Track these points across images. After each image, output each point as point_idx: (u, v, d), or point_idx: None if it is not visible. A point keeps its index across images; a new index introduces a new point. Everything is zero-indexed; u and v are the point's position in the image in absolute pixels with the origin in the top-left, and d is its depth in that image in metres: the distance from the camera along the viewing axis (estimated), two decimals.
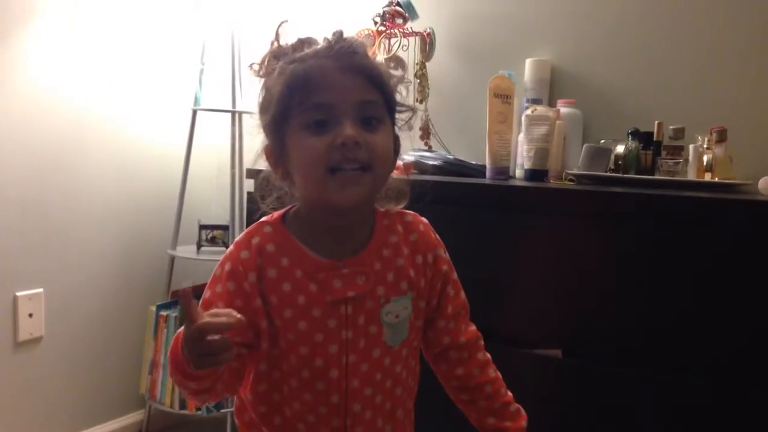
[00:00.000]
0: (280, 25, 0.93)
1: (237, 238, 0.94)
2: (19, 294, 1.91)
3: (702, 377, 1.30)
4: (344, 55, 0.86)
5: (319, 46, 0.88)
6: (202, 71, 2.15)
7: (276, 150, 0.91)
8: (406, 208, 1.00)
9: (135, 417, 2.25)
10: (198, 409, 2.09)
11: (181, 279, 2.23)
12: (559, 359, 1.41)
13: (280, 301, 0.89)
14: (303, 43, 0.90)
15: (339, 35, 0.89)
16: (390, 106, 0.91)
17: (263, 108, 0.91)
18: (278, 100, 0.87)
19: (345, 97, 0.85)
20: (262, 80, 0.93)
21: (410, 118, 0.96)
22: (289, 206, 0.96)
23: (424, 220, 1.01)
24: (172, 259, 2.20)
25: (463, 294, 1.04)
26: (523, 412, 1.03)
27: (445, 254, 1.01)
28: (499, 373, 1.05)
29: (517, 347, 1.44)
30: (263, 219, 0.94)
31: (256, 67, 0.94)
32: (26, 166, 1.90)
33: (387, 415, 0.95)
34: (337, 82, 0.85)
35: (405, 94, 0.94)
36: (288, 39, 0.93)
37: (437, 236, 1.02)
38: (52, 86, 1.94)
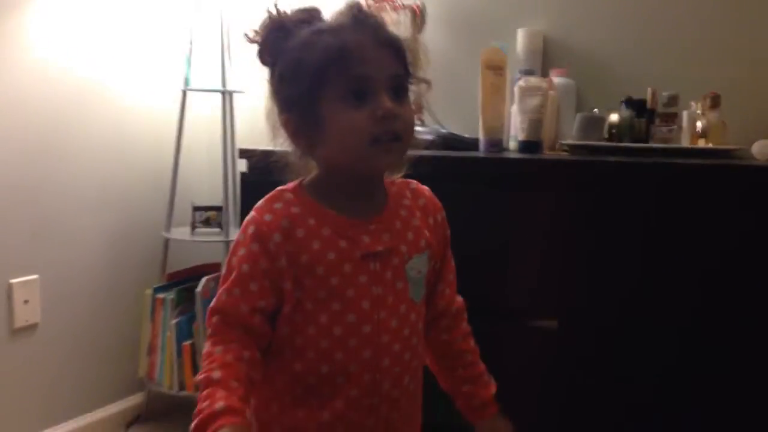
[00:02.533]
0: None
1: (257, 205, 0.93)
2: (13, 281, 1.90)
3: (706, 344, 1.31)
4: (374, 29, 0.88)
5: (344, 19, 0.89)
6: (190, 51, 2.13)
7: (301, 121, 0.90)
8: None
9: (134, 400, 2.25)
10: (197, 389, 2.09)
11: (176, 260, 2.22)
12: (555, 330, 1.41)
13: (311, 258, 0.89)
14: (309, 13, 0.91)
15: (358, 7, 0.90)
16: (410, 76, 0.93)
17: (287, 78, 0.90)
18: (314, 72, 0.87)
19: (381, 70, 0.87)
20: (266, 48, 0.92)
21: (426, 91, 1.00)
22: (300, 178, 0.96)
23: (426, 187, 1.04)
24: (167, 241, 2.19)
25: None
26: (493, 382, 1.07)
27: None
28: (476, 346, 1.08)
29: (514, 319, 1.45)
30: (281, 187, 0.95)
31: (251, 34, 0.93)
32: (17, 151, 1.88)
33: (412, 371, 0.98)
34: (373, 55, 0.87)
35: (426, 65, 0.98)
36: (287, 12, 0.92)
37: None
38: (41, 72, 1.92)
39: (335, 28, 0.88)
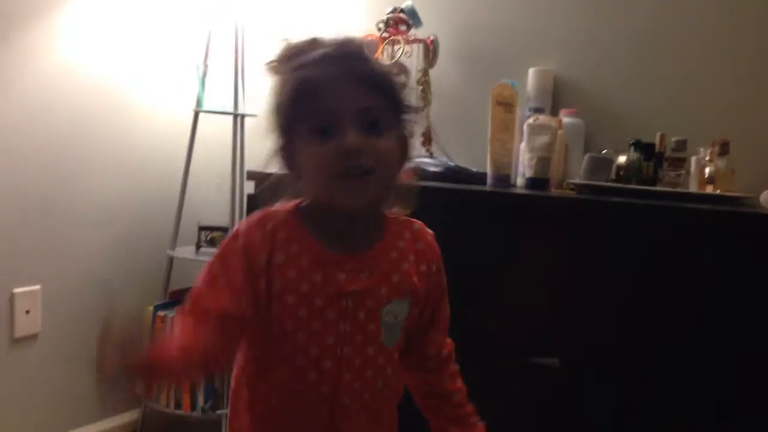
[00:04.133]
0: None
1: (250, 218, 0.94)
2: (16, 291, 1.90)
3: (704, 390, 1.30)
4: (346, 62, 0.88)
5: (322, 51, 0.89)
6: (205, 73, 2.15)
7: (287, 153, 0.93)
8: (413, 214, 1.01)
9: (131, 416, 2.24)
10: (193, 408, 2.08)
11: (180, 279, 2.23)
12: (556, 368, 1.41)
13: (283, 286, 0.90)
14: (312, 44, 0.91)
15: (343, 40, 0.90)
16: (396, 108, 0.92)
17: (274, 110, 0.93)
18: (286, 106, 0.89)
19: (346, 104, 0.86)
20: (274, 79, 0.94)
21: (415, 119, 0.98)
22: (300, 199, 0.96)
23: (430, 231, 1.03)
24: (171, 259, 2.20)
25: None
26: (481, 423, 1.06)
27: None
28: (464, 385, 1.07)
29: (515, 356, 1.44)
30: (277, 207, 0.95)
31: (273, 65, 0.95)
32: (27, 163, 1.90)
33: (373, 413, 0.97)
34: (338, 90, 0.87)
35: (410, 95, 0.95)
36: (299, 37, 0.93)
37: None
38: (55, 85, 1.94)
39: (310, 62, 0.88)
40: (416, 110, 0.99)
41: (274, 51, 0.94)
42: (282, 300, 0.90)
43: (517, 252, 1.47)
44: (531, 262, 1.45)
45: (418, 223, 1.02)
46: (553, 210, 1.47)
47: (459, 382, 1.07)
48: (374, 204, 0.94)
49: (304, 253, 0.91)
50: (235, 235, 0.92)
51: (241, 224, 0.94)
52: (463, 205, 1.53)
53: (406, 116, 0.95)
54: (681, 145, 1.63)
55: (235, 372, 0.99)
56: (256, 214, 0.94)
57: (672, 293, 1.33)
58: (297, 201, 0.96)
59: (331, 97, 0.86)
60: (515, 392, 1.43)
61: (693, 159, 1.61)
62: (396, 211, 1.00)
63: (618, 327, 1.37)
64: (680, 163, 1.60)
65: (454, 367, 1.07)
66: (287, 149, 0.92)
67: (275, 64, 0.93)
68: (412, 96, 0.97)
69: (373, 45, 0.96)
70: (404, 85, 0.95)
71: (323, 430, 0.94)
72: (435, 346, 1.04)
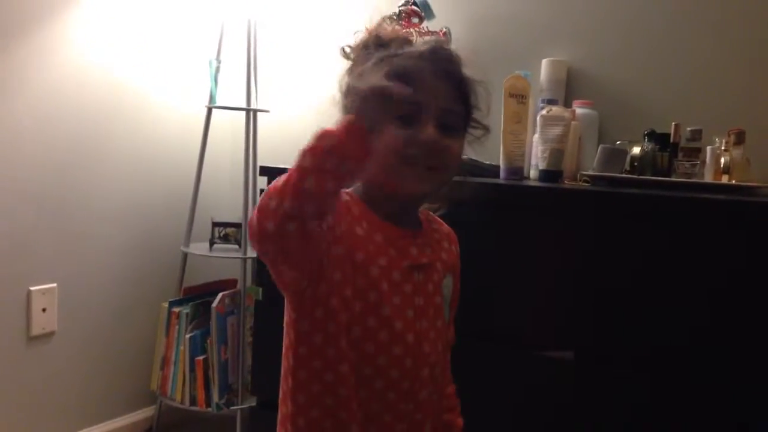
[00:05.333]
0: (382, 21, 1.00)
1: None
2: (32, 288, 1.92)
3: (721, 382, 1.28)
4: (442, 62, 0.92)
5: (421, 48, 0.93)
6: (218, 69, 2.15)
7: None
8: None
9: (146, 413, 2.26)
10: (208, 405, 2.09)
11: (193, 275, 2.24)
12: (571, 362, 1.40)
13: (366, 258, 0.90)
14: (402, 40, 0.95)
15: (441, 42, 0.96)
16: (468, 120, 0.97)
17: (351, 90, 0.94)
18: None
19: (434, 100, 0.90)
20: (349, 64, 0.97)
21: (482, 136, 1.02)
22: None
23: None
24: (185, 256, 2.21)
25: None
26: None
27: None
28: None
29: (530, 349, 1.43)
30: None
31: (348, 50, 0.98)
32: (42, 162, 1.91)
33: (439, 387, 1.01)
34: (430, 84, 0.90)
35: (486, 113, 1.00)
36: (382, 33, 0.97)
37: None
38: (69, 84, 1.95)
39: (406, 54, 0.92)
40: (486, 128, 1.02)
41: (353, 39, 0.97)
42: (366, 272, 0.90)
43: (531, 245, 1.46)
44: (545, 255, 1.44)
45: (431, 214, 1.06)
46: (566, 202, 1.46)
47: (454, 388, 1.11)
48: (422, 199, 0.99)
49: (376, 229, 0.93)
50: None
51: None
52: (476, 198, 1.52)
53: (472, 130, 1.00)
54: (696, 135, 1.61)
55: (291, 364, 0.93)
56: None
57: (688, 285, 1.31)
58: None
59: (422, 89, 0.89)
60: (529, 385, 1.42)
61: (708, 149, 1.59)
62: (429, 207, 1.04)
63: (632, 320, 1.35)
64: (695, 153, 1.58)
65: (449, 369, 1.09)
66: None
67: (357, 49, 0.96)
68: (484, 114, 1.00)
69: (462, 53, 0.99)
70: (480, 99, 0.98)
71: (404, 402, 0.94)
72: (452, 333, 1.06)
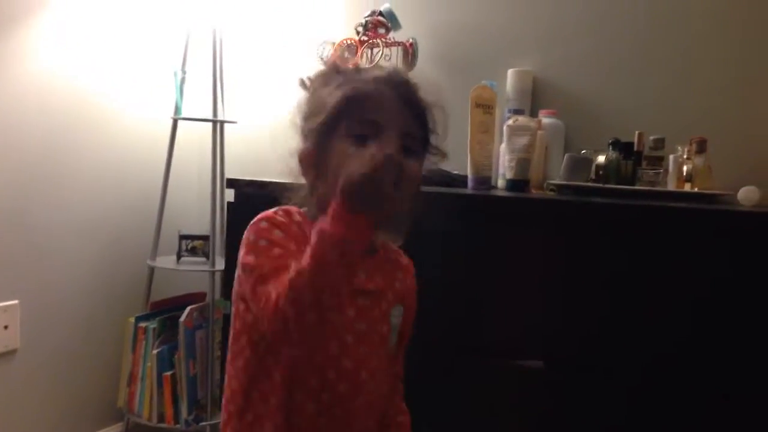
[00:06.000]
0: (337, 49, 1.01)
1: (277, 210, 0.93)
2: None
3: (692, 388, 1.30)
4: (400, 86, 0.92)
5: (379, 73, 0.94)
6: (183, 79, 2.13)
7: (315, 153, 0.94)
8: None
9: (113, 430, 2.22)
10: (176, 421, 2.06)
11: (161, 289, 2.20)
12: (540, 370, 1.40)
13: None
14: (359, 68, 0.97)
15: (394, 69, 0.96)
16: (426, 145, 0.96)
17: (311, 114, 0.95)
18: (333, 109, 0.91)
19: (393, 122, 0.90)
20: (310, 91, 0.98)
21: (439, 161, 1.02)
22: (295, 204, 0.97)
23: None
24: (152, 270, 2.17)
25: None
26: None
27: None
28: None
29: (499, 358, 1.44)
30: (288, 206, 0.96)
31: (307, 81, 1.00)
32: (3, 176, 1.87)
33: (375, 418, 0.99)
34: (388, 106, 0.90)
35: (444, 137, 0.99)
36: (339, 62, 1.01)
37: None
38: (31, 95, 1.92)
39: (367, 79, 0.93)
40: (443, 155, 1.01)
41: (313, 71, 0.99)
42: None
43: (498, 254, 1.46)
44: (513, 264, 1.45)
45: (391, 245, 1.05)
46: (532, 211, 1.47)
47: (405, 406, 1.10)
48: (384, 221, 0.95)
49: None
50: (258, 221, 0.91)
51: (271, 211, 0.93)
52: (442, 208, 1.52)
53: (430, 155, 0.99)
54: (659, 144, 1.64)
55: (233, 386, 0.95)
56: (278, 209, 0.94)
57: (653, 293, 1.33)
58: (295, 206, 0.96)
59: (380, 112, 0.90)
60: (499, 394, 1.43)
61: (671, 157, 1.62)
62: (385, 239, 1.02)
63: (601, 328, 1.37)
64: (658, 161, 1.61)
65: (402, 387, 1.09)
66: (316, 151, 0.93)
67: (317, 78, 0.98)
68: (443, 139, 1.00)
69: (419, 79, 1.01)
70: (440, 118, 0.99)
71: (337, 429, 0.93)
72: (400, 365, 1.07)
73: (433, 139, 0.97)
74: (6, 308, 1.90)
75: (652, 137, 1.64)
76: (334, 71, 0.97)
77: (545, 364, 1.40)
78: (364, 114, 0.90)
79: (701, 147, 1.58)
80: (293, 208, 0.94)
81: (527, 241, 1.43)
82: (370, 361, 0.94)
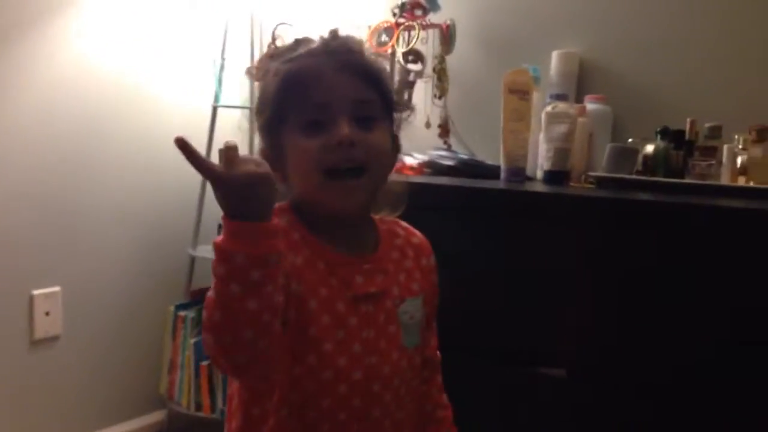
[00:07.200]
0: (276, 27, 0.94)
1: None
2: (35, 292, 1.91)
3: (726, 400, 1.17)
4: (339, 53, 0.85)
5: (313, 45, 0.87)
6: (222, 67, 2.11)
7: (272, 152, 0.88)
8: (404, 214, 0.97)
9: (155, 417, 2.24)
10: (213, 411, 2.05)
11: (201, 278, 2.20)
12: (564, 379, 1.30)
13: (305, 289, 0.83)
14: (299, 43, 0.89)
15: (334, 33, 0.88)
16: (388, 104, 0.89)
17: (259, 110, 0.91)
18: (273, 101, 0.86)
19: (340, 96, 0.83)
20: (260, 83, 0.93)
21: (409, 116, 0.95)
22: (284, 202, 0.90)
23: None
24: (192, 259, 2.17)
25: None
26: None
27: None
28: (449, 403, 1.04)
29: (523, 361, 1.34)
30: (278, 205, 0.87)
31: (253, 71, 0.96)
32: (45, 163, 1.90)
33: (399, 425, 0.92)
34: (332, 81, 0.83)
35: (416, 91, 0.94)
36: (288, 40, 0.93)
37: None
38: (72, 83, 1.93)
39: (299, 56, 0.86)
40: (410, 108, 0.95)
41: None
42: (305, 304, 0.83)
43: (528, 253, 1.36)
44: (543, 264, 1.34)
45: (403, 222, 0.98)
46: (564, 207, 1.36)
47: (445, 398, 1.03)
48: (365, 208, 0.91)
49: (317, 256, 0.85)
50: None
51: None
52: (470, 203, 1.43)
53: (397, 114, 0.92)
54: (716, 132, 1.48)
55: (236, 402, 0.89)
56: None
57: (699, 301, 1.20)
58: (284, 204, 0.89)
59: (323, 88, 0.83)
60: (519, 401, 1.33)
61: (725, 147, 1.46)
62: (384, 215, 0.96)
63: (638, 334, 1.25)
64: (712, 152, 1.45)
65: (440, 379, 1.03)
66: (274, 148, 0.88)
67: (258, 67, 0.93)
68: (425, 87, 0.94)
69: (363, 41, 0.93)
70: (420, 74, 0.95)
71: None
72: (429, 349, 1.00)
73: (394, 97, 0.90)
74: (48, 295, 1.94)
75: (707, 125, 1.49)
76: (273, 54, 0.90)
77: (568, 373, 1.29)
78: (306, 98, 0.83)
79: (762, 135, 1.41)
80: (283, 212, 0.86)
81: (557, 240, 1.32)
82: (382, 369, 0.87)
